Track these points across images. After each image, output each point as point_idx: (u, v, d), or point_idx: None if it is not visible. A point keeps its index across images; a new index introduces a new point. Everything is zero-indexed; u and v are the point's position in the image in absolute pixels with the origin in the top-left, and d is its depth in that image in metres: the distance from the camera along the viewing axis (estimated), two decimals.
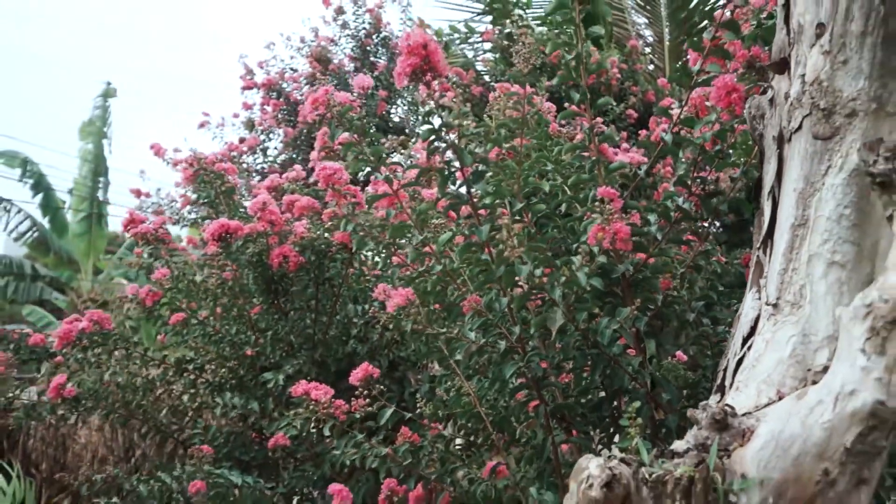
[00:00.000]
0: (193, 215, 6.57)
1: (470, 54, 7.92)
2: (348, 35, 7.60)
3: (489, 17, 7.45)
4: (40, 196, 16.62)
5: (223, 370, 3.41)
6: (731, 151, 2.08)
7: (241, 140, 7.24)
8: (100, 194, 17.40)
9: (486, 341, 2.00)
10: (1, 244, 24.70)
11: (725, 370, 1.68)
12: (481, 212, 1.96)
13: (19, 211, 16.22)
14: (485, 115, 2.18)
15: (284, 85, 7.57)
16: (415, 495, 2.28)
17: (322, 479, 3.32)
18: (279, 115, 7.42)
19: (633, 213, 1.98)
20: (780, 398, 1.49)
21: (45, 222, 16.73)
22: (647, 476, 1.38)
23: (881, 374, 1.34)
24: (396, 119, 7.63)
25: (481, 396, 2.21)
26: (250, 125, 7.54)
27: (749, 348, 1.62)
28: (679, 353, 2.32)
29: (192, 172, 3.44)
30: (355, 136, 2.01)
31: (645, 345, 1.96)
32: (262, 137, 7.40)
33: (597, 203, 1.84)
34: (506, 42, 7.10)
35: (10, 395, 3.31)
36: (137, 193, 6.90)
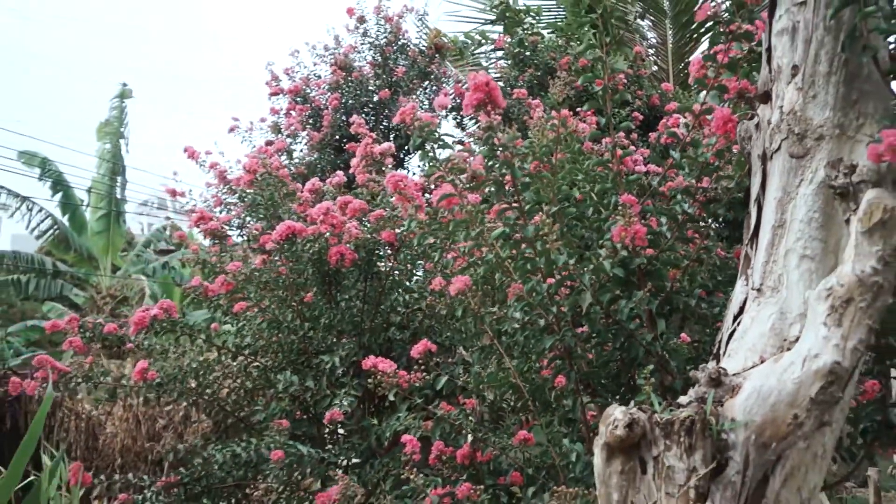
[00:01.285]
0: (223, 214, 6.96)
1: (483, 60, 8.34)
2: (369, 43, 7.99)
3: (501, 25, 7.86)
4: (59, 195, 17.05)
5: (279, 354, 3.84)
6: (728, 166, 2.51)
7: (269, 143, 7.62)
8: (117, 193, 17.82)
9: (528, 319, 2.44)
10: (8, 241, 24.99)
11: (720, 341, 2.10)
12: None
13: (41, 210, 16.63)
14: (530, 134, 2.61)
15: (309, 90, 7.96)
16: (462, 453, 2.72)
17: (368, 451, 3.75)
18: (304, 120, 7.81)
19: (652, 219, 2.42)
20: (762, 362, 1.90)
21: (65, 220, 17.12)
22: (659, 420, 1.81)
23: (838, 341, 1.76)
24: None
25: (519, 371, 2.65)
26: (276, 129, 7.94)
27: (738, 324, 2.04)
28: (683, 335, 2.77)
29: (253, 176, 3.84)
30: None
31: (656, 323, 2.40)
32: (288, 141, 7.80)
33: (619, 207, 2.28)
34: (517, 49, 7.51)
35: (96, 380, 3.68)
36: (172, 193, 7.26)
